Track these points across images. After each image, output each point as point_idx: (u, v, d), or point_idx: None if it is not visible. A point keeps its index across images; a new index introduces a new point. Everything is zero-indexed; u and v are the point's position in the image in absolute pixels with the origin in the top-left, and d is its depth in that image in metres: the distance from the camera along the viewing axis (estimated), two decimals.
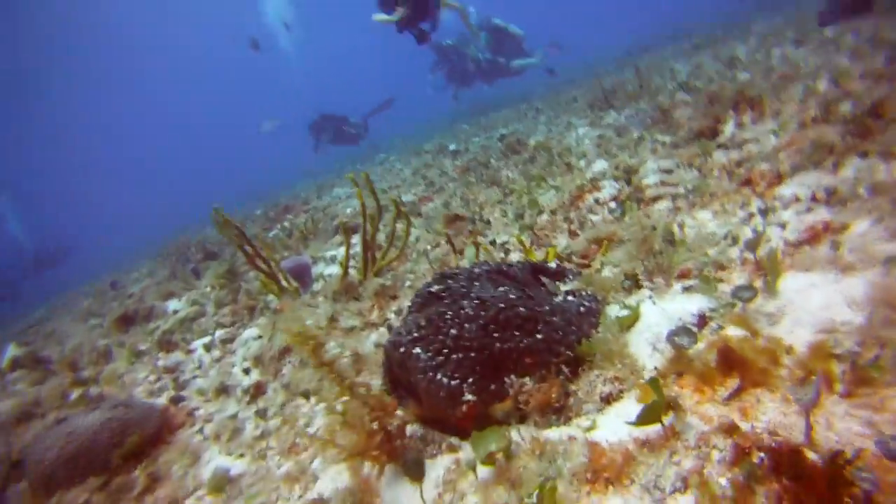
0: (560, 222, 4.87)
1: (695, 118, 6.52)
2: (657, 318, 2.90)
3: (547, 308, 2.82)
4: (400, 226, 5.29)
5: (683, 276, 3.25)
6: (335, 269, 6.42)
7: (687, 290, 3.12)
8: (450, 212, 6.00)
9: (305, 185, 18.27)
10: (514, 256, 4.63)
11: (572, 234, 4.56)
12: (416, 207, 7.87)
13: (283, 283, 5.95)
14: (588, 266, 3.82)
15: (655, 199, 4.60)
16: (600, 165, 6.20)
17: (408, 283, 4.84)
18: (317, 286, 5.93)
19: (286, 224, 10.99)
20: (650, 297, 3.18)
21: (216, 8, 56.10)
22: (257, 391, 4.14)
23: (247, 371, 4.64)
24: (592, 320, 2.93)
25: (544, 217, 5.17)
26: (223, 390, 4.41)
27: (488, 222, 5.63)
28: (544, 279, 3.43)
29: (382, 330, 4.18)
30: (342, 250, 7.04)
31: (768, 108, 5.57)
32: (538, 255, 4.15)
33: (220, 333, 5.87)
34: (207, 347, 5.61)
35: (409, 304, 3.22)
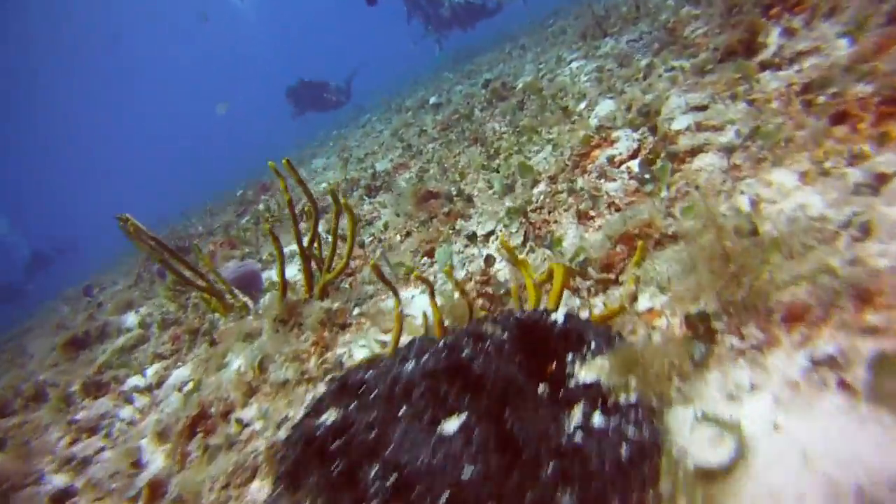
0: (563, 196, 3.46)
1: (716, 33, 5.03)
2: (779, 447, 1.46)
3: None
4: (353, 224, 3.90)
5: (795, 317, 1.71)
6: (292, 271, 5.08)
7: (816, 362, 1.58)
8: (422, 185, 4.59)
9: (287, 154, 16.83)
10: (502, 264, 3.24)
11: (583, 218, 3.14)
12: (390, 178, 6.45)
13: (229, 298, 4.65)
14: (615, 281, 2.45)
15: (694, 151, 3.16)
16: (606, 107, 4.73)
17: (357, 311, 3.49)
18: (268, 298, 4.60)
19: (260, 206, 9.58)
20: (750, 386, 1.64)
21: None
22: (151, 497, 2.80)
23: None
24: (642, 475, 1.42)
25: (540, 188, 3.76)
26: (112, 490, 3.10)
27: (470, 199, 4.23)
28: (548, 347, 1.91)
29: (322, 386, 2.85)
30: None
31: (822, 1, 4.06)
32: (534, 263, 2.79)
33: (153, 370, 4.60)
34: (135, 393, 4.34)
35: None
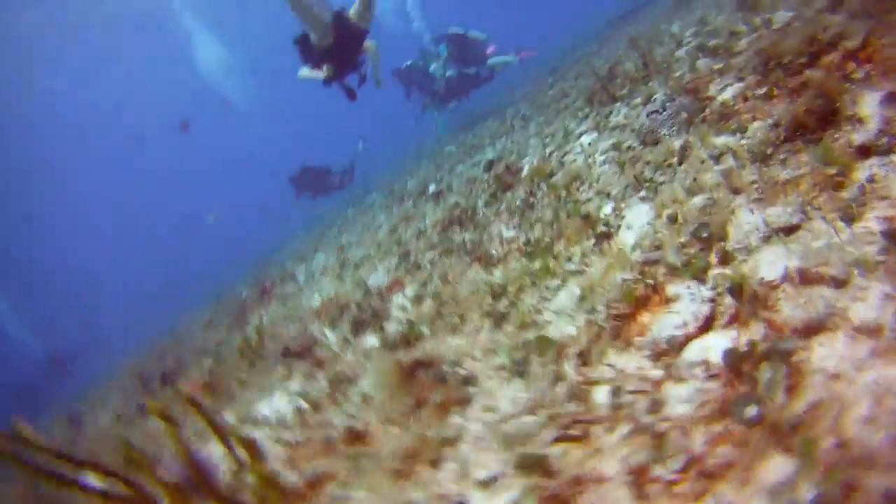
0: (604, 406, 2.17)
1: (761, 95, 3.86)
2: None
3: None
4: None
5: None
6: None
7: None
8: (405, 359, 3.34)
9: (294, 246, 15.86)
10: None
11: (640, 485, 1.82)
12: (381, 306, 5.24)
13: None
14: None
15: (809, 331, 1.88)
16: (641, 216, 3.51)
17: None
18: None
19: (249, 327, 8.41)
20: None
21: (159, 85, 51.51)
22: None
23: None
24: None
25: (566, 383, 2.47)
26: None
27: (467, 382, 2.96)
28: None
29: None
30: (281, 400, 4.49)
31: None
32: None
33: None
34: None
35: None
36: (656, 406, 2.01)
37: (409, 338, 3.95)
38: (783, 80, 4.21)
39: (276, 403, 4.39)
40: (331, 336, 5.32)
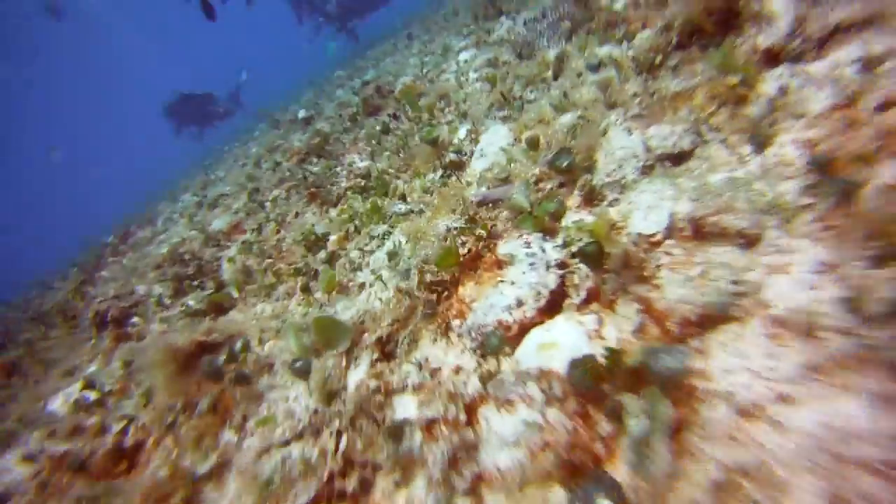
0: (389, 453, 1.35)
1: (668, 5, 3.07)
2: None
3: None
4: None
5: None
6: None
7: None
8: (185, 342, 2.39)
9: (170, 185, 14.16)
10: None
11: None
12: (214, 257, 4.23)
13: None
14: None
15: (705, 322, 1.11)
16: (497, 139, 2.68)
17: None
18: None
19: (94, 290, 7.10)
20: None
21: None
22: None
23: None
24: None
25: (357, 375, 1.63)
26: None
27: (259, 372, 2.07)
28: None
29: None
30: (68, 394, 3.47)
31: None
32: None
33: None
34: None
35: None
36: (464, 454, 1.19)
37: (218, 303, 2.99)
38: None
39: (62, 398, 3.37)
40: (151, 296, 4.27)
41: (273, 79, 25.27)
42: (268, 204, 4.63)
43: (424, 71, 6.01)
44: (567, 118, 2.36)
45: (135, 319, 3.97)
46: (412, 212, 2.41)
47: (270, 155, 7.07)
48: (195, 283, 3.84)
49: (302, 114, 7.52)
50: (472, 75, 4.58)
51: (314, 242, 2.77)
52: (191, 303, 3.34)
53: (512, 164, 2.25)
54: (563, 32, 3.86)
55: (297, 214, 3.75)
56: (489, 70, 4.40)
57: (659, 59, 2.56)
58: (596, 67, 2.74)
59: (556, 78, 3.20)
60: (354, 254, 2.49)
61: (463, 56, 5.55)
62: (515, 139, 2.47)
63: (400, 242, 2.10)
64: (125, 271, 6.03)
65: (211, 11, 8.09)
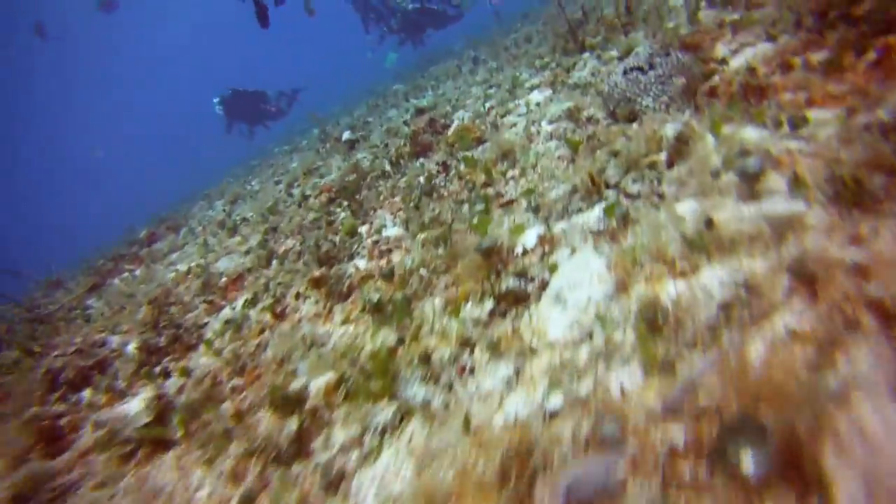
0: None
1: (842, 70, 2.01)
2: None
3: None
4: None
5: None
6: None
7: None
8: None
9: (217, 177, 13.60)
10: None
11: None
12: (196, 327, 3.37)
13: None
14: None
15: None
16: (585, 275, 1.63)
17: None
18: None
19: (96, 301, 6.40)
20: None
21: None
22: None
23: None
24: None
25: None
26: None
27: None
28: None
29: None
30: None
31: None
32: None
33: None
34: None
35: None
36: None
37: (153, 439, 2.09)
38: (848, 39, 2.39)
39: None
40: (121, 356, 3.43)
41: (335, 83, 24.80)
42: (274, 262, 3.74)
43: (486, 106, 5.06)
44: (714, 282, 1.34)
45: (85, 394, 3.12)
46: (433, 409, 1.44)
47: (305, 179, 6.23)
48: (157, 367, 2.97)
49: (347, 135, 6.67)
50: (546, 127, 3.60)
51: (288, 403, 1.84)
52: (133, 408, 2.45)
53: (615, 355, 1.25)
54: (676, 92, 2.85)
55: (297, 296, 2.83)
56: (568, 125, 3.41)
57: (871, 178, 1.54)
58: (749, 175, 1.72)
59: (671, 165, 2.19)
60: (339, 436, 1.54)
61: (535, 96, 4.58)
62: (617, 289, 1.47)
63: (403, 471, 1.15)
64: (121, 297, 5.26)
65: (265, 19, 7.34)
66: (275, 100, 15.08)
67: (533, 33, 8.27)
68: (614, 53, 4.70)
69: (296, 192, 5.88)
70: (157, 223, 10.34)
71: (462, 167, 3.54)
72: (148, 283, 5.47)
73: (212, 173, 18.65)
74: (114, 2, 15.54)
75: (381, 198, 3.90)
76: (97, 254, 10.06)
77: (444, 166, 3.86)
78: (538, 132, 3.66)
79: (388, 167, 4.49)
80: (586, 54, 5.02)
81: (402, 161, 4.49)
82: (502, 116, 4.66)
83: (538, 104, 4.24)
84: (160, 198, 19.80)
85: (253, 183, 8.69)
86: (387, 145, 5.57)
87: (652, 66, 3.06)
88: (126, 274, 6.81)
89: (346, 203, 4.43)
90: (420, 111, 6.16)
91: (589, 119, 3.35)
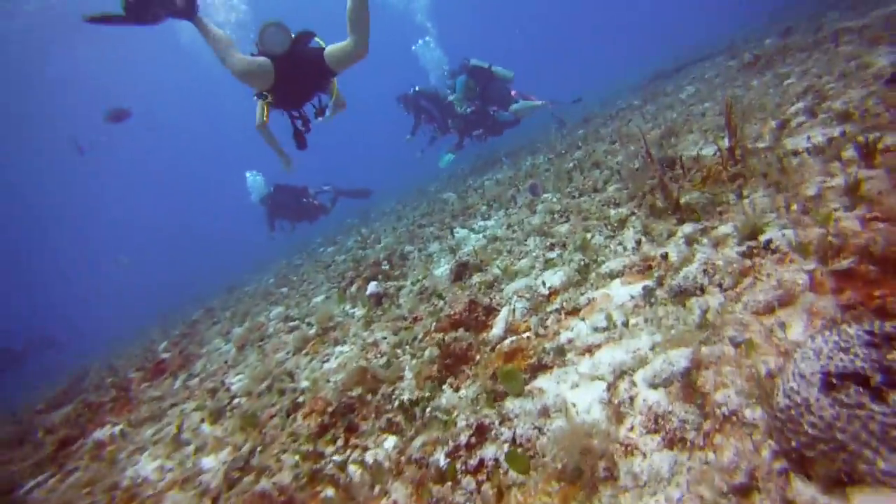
0: None
1: None
2: None
3: None
4: None
5: None
6: None
7: None
8: None
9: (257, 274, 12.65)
10: None
11: None
12: None
13: None
14: None
15: None
16: None
17: None
18: None
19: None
20: None
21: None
22: None
23: None
24: None
25: None
26: None
27: None
28: None
29: None
30: None
31: None
32: None
33: None
34: None
35: None
36: None
37: None
38: None
39: None
40: None
41: (388, 180, 24.28)
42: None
43: (547, 287, 3.66)
44: None
45: None
46: None
47: (315, 347, 4.95)
48: None
49: (373, 288, 5.38)
50: (646, 396, 2.16)
51: None
52: None
53: None
54: None
55: None
56: (687, 413, 1.96)
57: None
58: None
59: None
60: None
61: (619, 294, 3.16)
62: None
63: None
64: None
65: (302, 140, 6.38)
66: (314, 195, 14.30)
67: (602, 155, 6.97)
68: (729, 230, 3.28)
69: (304, 365, 4.59)
70: (177, 338, 9.30)
71: (505, 461, 2.12)
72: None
73: (255, 263, 17.96)
74: (124, 113, 15.41)
75: (386, 460, 2.51)
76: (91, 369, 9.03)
77: (479, 435, 2.44)
78: (631, 401, 2.22)
79: (405, 397, 3.10)
80: (687, 226, 3.60)
81: (419, 394, 3.09)
82: (568, 316, 3.25)
83: (624, 321, 2.81)
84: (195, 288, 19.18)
85: (272, 312, 7.50)
86: (411, 328, 4.23)
87: (888, 372, 1.57)
88: (116, 417, 5.59)
89: (341, 441, 3.06)
90: (462, 267, 4.83)
91: (728, 416, 1.88)
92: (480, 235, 6.01)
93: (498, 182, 9.09)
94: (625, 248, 3.77)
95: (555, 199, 5.84)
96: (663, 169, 4.47)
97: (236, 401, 4.55)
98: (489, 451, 2.34)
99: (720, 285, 2.79)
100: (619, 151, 6.83)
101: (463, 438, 2.47)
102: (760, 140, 4.77)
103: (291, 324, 6.22)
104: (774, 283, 2.54)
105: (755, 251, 2.92)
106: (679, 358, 2.24)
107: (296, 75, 5.69)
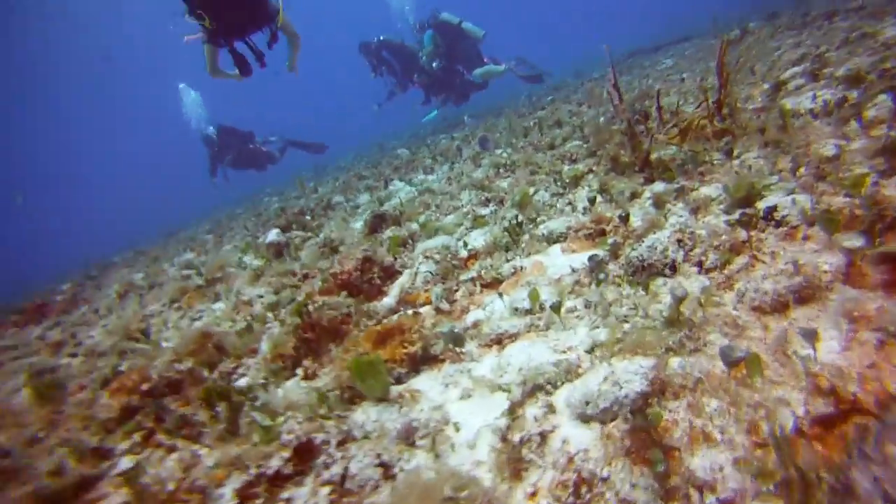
0: None
1: None
2: None
3: None
4: None
5: None
6: None
7: None
8: None
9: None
10: None
11: None
12: None
13: None
14: None
15: None
16: None
17: None
18: None
19: None
20: None
21: None
22: None
23: None
24: None
25: None
26: None
27: None
28: None
29: None
30: None
31: None
32: None
33: None
34: None
35: None
36: None
37: None
38: None
39: None
40: None
41: (348, 133, 22.75)
42: None
43: (467, 247, 2.68)
44: None
45: None
46: None
47: (190, 301, 3.88)
48: None
49: (274, 236, 4.30)
50: (571, 438, 1.18)
51: None
52: None
53: None
54: None
55: None
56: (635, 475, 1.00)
57: None
58: None
59: None
60: None
61: (556, 264, 2.20)
62: None
63: None
64: None
65: (245, 65, 5.84)
66: (261, 143, 12.82)
67: (566, 115, 5.97)
68: (713, 193, 2.33)
69: (158, 336, 3.52)
70: (74, 285, 8.02)
71: None
72: None
73: (194, 212, 16.52)
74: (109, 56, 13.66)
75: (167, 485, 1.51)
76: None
77: (299, 461, 1.45)
78: (542, 441, 1.25)
79: (243, 382, 2.08)
80: (657, 184, 2.64)
81: (263, 377, 2.08)
82: (485, 289, 2.27)
83: (556, 303, 1.82)
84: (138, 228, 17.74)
85: (182, 258, 6.35)
86: (298, 287, 3.20)
87: None
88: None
89: (139, 436, 2.04)
90: (378, 219, 3.81)
91: None
92: (415, 189, 4.97)
93: (452, 139, 8.00)
94: (574, 209, 2.79)
95: (505, 155, 4.82)
96: (634, 120, 3.49)
97: (67, 361, 3.46)
98: (299, 496, 1.35)
99: (700, 263, 1.84)
100: (586, 113, 5.84)
101: (274, 463, 1.47)
102: (751, 102, 3.83)
103: (186, 272, 5.11)
104: (785, 266, 1.59)
105: (752, 220, 1.97)
106: (632, 374, 1.28)
107: None
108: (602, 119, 4.71)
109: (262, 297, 3.23)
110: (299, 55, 6.49)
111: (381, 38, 11.78)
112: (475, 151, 5.40)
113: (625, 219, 2.27)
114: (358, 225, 4.32)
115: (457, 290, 2.35)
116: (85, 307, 5.72)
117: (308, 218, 5.48)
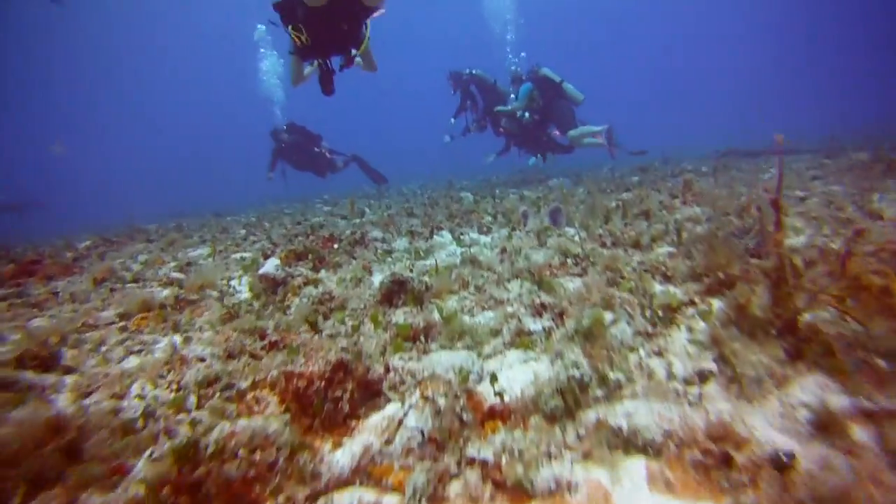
0: None
1: None
2: None
3: None
4: None
5: None
6: None
7: None
8: None
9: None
10: None
11: None
12: None
13: None
14: None
15: None
16: None
17: None
18: None
19: None
20: None
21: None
22: None
23: None
24: None
25: None
26: None
27: None
28: None
29: None
30: None
31: None
32: None
33: None
34: None
35: None
36: None
37: None
38: None
39: None
40: None
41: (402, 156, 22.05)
42: None
43: (496, 387, 1.68)
44: None
45: None
46: None
47: (160, 317, 3.00)
48: None
49: (267, 267, 3.41)
50: None
51: None
52: None
53: None
54: None
55: None
56: None
57: None
58: None
59: None
60: None
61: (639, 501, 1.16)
62: None
63: None
64: None
65: (329, 84, 5.76)
66: (328, 150, 12.23)
67: (656, 206, 4.91)
68: None
69: (63, 358, 2.64)
70: (91, 245, 7.40)
71: None
72: None
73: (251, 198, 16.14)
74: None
75: None
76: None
77: None
78: None
79: None
80: (811, 377, 1.57)
81: None
82: (497, 491, 1.24)
83: None
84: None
85: (192, 252, 5.59)
86: (251, 363, 2.26)
87: None
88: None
89: None
90: (398, 286, 2.85)
91: None
92: (459, 252, 3.99)
93: (522, 198, 7.03)
94: (672, 377, 1.74)
95: (577, 238, 3.80)
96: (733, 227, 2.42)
97: None
98: None
99: None
100: (680, 210, 4.77)
101: None
102: None
103: (175, 275, 4.28)
104: None
105: None
106: None
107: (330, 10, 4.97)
108: (707, 227, 3.63)
109: (203, 360, 2.30)
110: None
111: (473, 71, 11.08)
112: (543, 225, 4.39)
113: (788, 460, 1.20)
114: (376, 281, 3.37)
115: (452, 481, 1.33)
116: (76, 277, 5.00)
117: (336, 247, 4.60)
